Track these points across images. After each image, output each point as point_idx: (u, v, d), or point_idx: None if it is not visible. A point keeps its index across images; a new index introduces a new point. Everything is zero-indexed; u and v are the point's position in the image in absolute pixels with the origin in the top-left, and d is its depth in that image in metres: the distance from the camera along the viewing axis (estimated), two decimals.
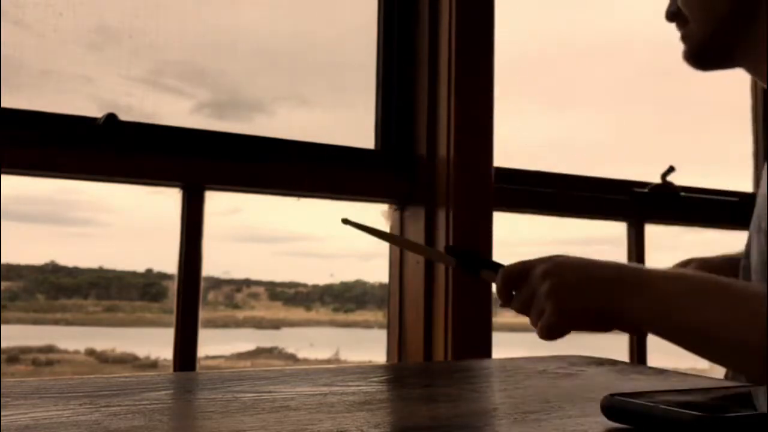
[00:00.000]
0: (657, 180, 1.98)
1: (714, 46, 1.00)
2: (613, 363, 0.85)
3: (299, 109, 1.67)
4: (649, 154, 2.10)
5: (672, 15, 1.02)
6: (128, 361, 1.76)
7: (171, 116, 1.50)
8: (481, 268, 0.94)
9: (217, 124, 1.54)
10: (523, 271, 0.89)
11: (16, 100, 1.36)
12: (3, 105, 1.35)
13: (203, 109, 1.57)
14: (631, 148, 2.11)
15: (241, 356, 1.86)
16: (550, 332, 0.86)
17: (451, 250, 1.02)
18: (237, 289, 1.80)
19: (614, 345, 2.02)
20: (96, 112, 1.43)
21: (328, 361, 1.94)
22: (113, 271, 1.71)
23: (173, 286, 1.49)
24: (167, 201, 1.50)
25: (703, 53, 1.01)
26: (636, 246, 1.96)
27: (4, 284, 1.54)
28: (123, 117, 1.43)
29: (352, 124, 1.70)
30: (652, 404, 0.47)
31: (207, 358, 1.63)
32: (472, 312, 1.60)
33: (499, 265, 0.92)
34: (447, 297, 1.59)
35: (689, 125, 2.17)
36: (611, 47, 2.06)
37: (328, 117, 1.71)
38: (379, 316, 1.80)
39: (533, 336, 0.86)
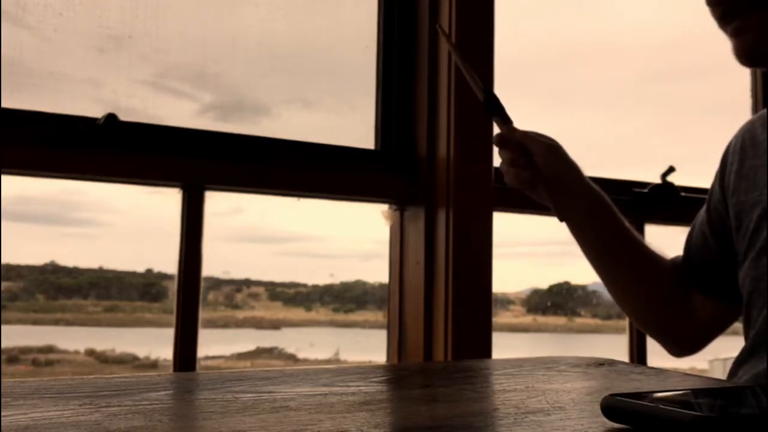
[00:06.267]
0: (657, 180, 1.98)
1: None
2: (612, 363, 0.85)
3: (302, 111, 1.67)
4: (649, 154, 2.10)
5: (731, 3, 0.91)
6: (128, 361, 1.76)
7: (175, 119, 1.50)
8: (497, 115, 1.10)
9: (222, 128, 1.54)
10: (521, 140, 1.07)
11: (16, 101, 1.36)
12: (3, 105, 1.34)
13: (208, 113, 1.57)
14: (631, 148, 2.11)
15: (241, 356, 1.86)
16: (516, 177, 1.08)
17: (488, 91, 1.10)
18: (237, 289, 1.80)
19: (614, 345, 2.02)
20: (98, 114, 1.42)
21: (328, 362, 1.94)
22: (113, 271, 1.71)
23: (173, 286, 1.49)
24: (167, 201, 1.50)
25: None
26: None
27: (4, 284, 1.54)
28: (126, 120, 1.43)
29: (352, 124, 1.70)
30: (652, 404, 0.47)
31: (207, 358, 1.63)
32: (472, 312, 1.60)
33: (509, 120, 1.10)
34: (447, 297, 1.59)
35: (689, 125, 2.17)
36: (611, 48, 2.06)
37: (328, 118, 1.71)
38: (379, 316, 1.80)
39: (533, 336, 0.87)
